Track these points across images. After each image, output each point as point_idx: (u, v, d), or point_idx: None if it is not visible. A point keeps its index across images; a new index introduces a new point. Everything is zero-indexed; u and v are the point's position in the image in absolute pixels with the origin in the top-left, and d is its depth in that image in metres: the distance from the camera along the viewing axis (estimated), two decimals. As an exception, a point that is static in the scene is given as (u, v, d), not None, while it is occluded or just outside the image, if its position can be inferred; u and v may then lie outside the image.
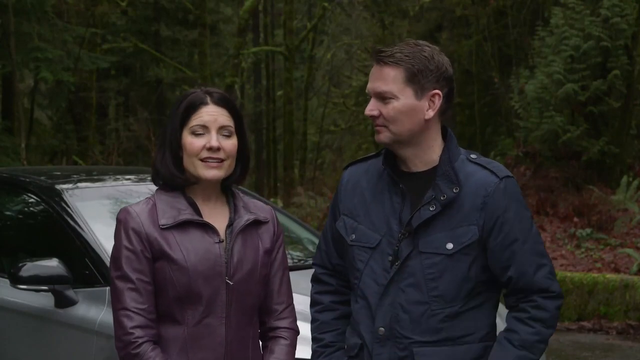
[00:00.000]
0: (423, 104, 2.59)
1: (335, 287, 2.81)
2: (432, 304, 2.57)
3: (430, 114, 2.61)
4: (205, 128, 2.60)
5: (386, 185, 2.66)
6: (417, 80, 2.58)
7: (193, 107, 2.61)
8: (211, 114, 2.61)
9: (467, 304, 2.59)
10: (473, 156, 2.66)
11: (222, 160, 2.61)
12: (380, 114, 2.59)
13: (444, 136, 2.67)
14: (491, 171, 2.61)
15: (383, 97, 2.59)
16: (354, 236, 2.68)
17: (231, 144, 2.62)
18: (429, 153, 2.63)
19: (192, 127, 2.60)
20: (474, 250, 2.57)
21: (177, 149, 2.62)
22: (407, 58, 2.58)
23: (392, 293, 2.59)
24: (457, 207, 2.57)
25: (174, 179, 2.62)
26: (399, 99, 2.58)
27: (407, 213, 2.60)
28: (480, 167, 2.62)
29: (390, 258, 2.60)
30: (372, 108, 2.61)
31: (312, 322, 2.82)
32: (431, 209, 2.56)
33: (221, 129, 2.61)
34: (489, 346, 2.64)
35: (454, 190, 2.56)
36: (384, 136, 2.61)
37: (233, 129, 2.64)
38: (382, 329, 2.59)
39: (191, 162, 2.61)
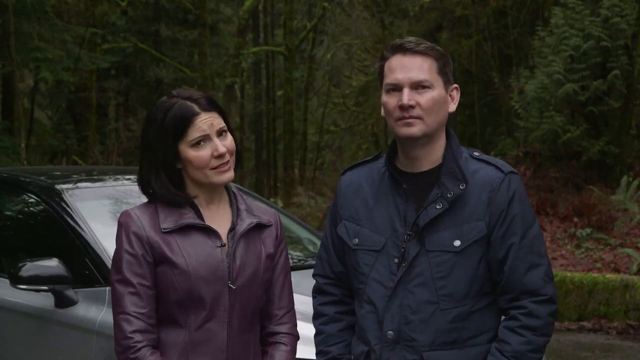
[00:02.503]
0: (447, 96, 2.60)
1: (339, 297, 2.75)
2: (442, 303, 2.53)
3: (453, 107, 2.62)
4: (206, 137, 2.56)
5: (389, 187, 2.63)
6: (444, 71, 2.58)
7: (185, 121, 2.54)
8: (206, 122, 2.56)
9: (477, 303, 2.55)
10: (476, 154, 2.64)
11: (228, 162, 2.59)
12: (417, 104, 2.53)
13: (445, 135, 2.65)
14: (496, 167, 2.59)
15: (420, 86, 2.54)
16: (357, 240, 2.64)
17: (230, 141, 2.60)
18: (436, 151, 2.60)
19: (192, 140, 2.54)
20: (482, 246, 2.54)
21: (172, 166, 2.58)
22: (433, 50, 2.57)
23: (400, 295, 2.55)
24: (463, 203, 2.54)
25: (175, 198, 2.58)
26: (434, 89, 2.55)
27: (412, 213, 2.57)
28: (484, 164, 2.60)
29: (396, 260, 2.56)
30: (410, 98, 2.52)
31: (317, 334, 2.76)
32: (438, 207, 2.53)
33: (218, 132, 2.58)
34: None
35: (461, 187, 2.53)
36: (417, 129, 2.53)
37: (226, 127, 2.62)
38: (391, 332, 2.55)
39: (201, 174, 2.57)
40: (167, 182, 2.57)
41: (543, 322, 2.53)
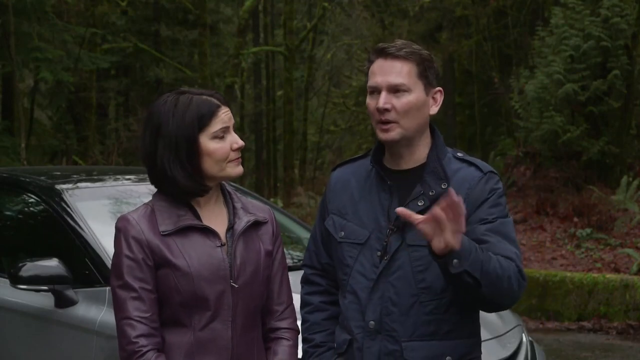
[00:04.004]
0: (429, 99, 2.67)
1: (325, 288, 2.85)
2: (421, 295, 2.60)
3: (435, 110, 2.69)
4: (227, 129, 2.58)
5: (374, 183, 2.71)
6: (425, 75, 2.65)
7: (210, 113, 2.55)
8: (227, 114, 2.59)
9: (457, 296, 2.59)
10: (459, 154, 2.72)
11: (240, 155, 2.64)
12: (393, 108, 2.61)
13: (431, 134, 2.73)
14: (477, 167, 2.68)
15: (397, 90, 2.61)
16: (342, 233, 2.72)
17: (240, 137, 2.65)
18: (420, 150, 2.69)
19: (214, 132, 2.55)
20: None
21: (195, 159, 2.56)
22: (413, 55, 2.64)
23: (382, 287, 2.63)
24: None
25: (201, 189, 2.59)
26: (411, 93, 2.62)
27: (395, 209, 2.62)
28: (467, 164, 2.69)
29: (379, 253, 2.64)
30: (386, 101, 2.61)
31: (303, 323, 2.84)
32: (420, 204, 2.60)
33: (233, 126, 2.63)
34: (477, 343, 2.70)
35: (443, 186, 2.61)
36: (395, 133, 2.62)
37: None
38: (372, 322, 2.63)
39: (218, 167, 2.57)
40: (195, 174, 2.56)
41: (509, 272, 2.49)
